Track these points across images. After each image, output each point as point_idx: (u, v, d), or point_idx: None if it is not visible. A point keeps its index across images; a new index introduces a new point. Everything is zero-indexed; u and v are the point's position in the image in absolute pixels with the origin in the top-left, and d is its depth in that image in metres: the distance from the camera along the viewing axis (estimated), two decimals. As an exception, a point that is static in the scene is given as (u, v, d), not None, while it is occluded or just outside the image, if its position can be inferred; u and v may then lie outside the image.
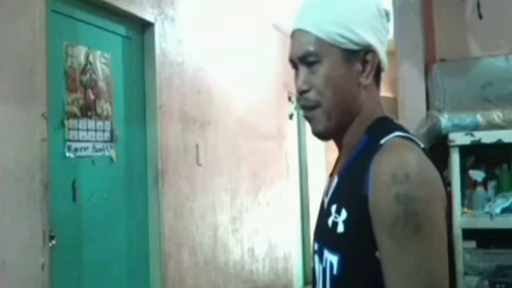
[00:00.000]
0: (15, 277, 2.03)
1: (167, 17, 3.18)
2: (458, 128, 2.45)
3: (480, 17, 2.62)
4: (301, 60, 0.96)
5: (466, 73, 2.63)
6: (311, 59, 0.94)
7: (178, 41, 3.30)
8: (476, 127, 2.43)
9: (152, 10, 3.02)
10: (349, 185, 0.90)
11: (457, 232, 2.37)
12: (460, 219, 2.38)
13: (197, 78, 3.52)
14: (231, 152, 3.97)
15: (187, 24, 3.41)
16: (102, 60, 2.71)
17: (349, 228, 0.86)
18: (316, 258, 0.98)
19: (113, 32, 2.82)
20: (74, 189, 2.46)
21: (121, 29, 2.88)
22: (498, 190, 2.52)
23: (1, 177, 2.01)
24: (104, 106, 2.71)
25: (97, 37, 2.69)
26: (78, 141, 2.51)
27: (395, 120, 0.98)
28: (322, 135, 0.98)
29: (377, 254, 0.83)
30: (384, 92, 6.90)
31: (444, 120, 2.47)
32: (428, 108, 2.67)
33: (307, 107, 0.96)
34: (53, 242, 2.23)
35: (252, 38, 4.52)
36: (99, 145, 2.65)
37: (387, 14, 0.97)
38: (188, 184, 3.34)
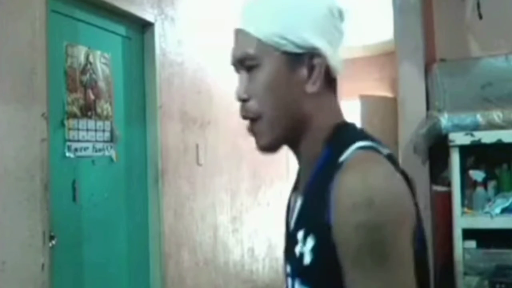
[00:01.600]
0: (15, 277, 2.03)
1: (167, 17, 3.18)
2: (458, 128, 2.44)
3: (480, 17, 2.62)
4: (241, 63, 0.88)
5: (466, 73, 2.63)
6: (249, 63, 0.86)
7: (178, 41, 3.30)
8: (476, 127, 2.43)
9: (152, 10, 3.02)
10: (313, 209, 0.81)
11: (457, 232, 2.37)
12: (460, 219, 2.38)
13: (197, 78, 3.52)
14: (231, 152, 3.97)
15: (187, 24, 3.41)
16: (102, 60, 2.71)
17: (317, 258, 0.79)
18: (289, 281, 0.90)
19: (113, 32, 2.82)
20: (74, 189, 2.46)
21: (121, 29, 2.88)
22: (498, 190, 2.52)
23: (1, 177, 2.01)
24: (104, 106, 2.71)
25: (97, 37, 2.69)
26: (78, 141, 2.51)
27: (355, 125, 0.89)
28: (267, 149, 0.89)
29: (344, 286, 0.76)
30: (384, 92, 6.89)
31: (444, 120, 2.47)
32: (428, 108, 2.67)
33: (249, 118, 0.88)
34: (53, 242, 2.23)
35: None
36: (99, 145, 2.65)
37: (340, 13, 0.87)
38: (188, 184, 3.34)
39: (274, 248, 4.76)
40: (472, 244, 2.39)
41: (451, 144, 2.40)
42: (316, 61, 0.84)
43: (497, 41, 2.65)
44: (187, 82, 3.39)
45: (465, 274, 2.37)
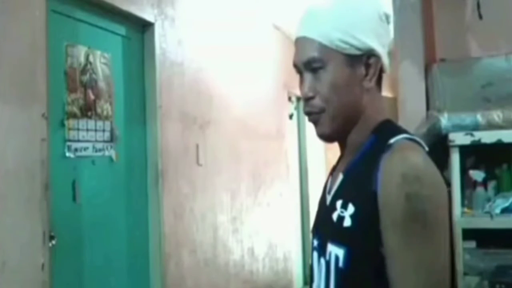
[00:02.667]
0: (15, 277, 2.03)
1: (167, 17, 3.18)
2: (458, 128, 2.44)
3: (480, 17, 2.62)
4: (306, 66, 0.98)
5: (466, 73, 2.63)
6: (315, 65, 0.96)
7: (178, 41, 3.30)
8: (476, 127, 2.43)
9: (152, 10, 3.02)
10: (356, 181, 0.92)
11: (457, 232, 2.37)
12: (460, 219, 2.38)
13: (197, 78, 3.52)
14: (231, 152, 3.97)
15: (187, 24, 3.41)
16: (102, 60, 2.71)
17: (356, 223, 0.88)
18: (315, 254, 1.00)
19: (113, 32, 2.82)
20: (74, 189, 2.46)
21: (121, 29, 2.88)
22: (498, 190, 2.52)
23: (1, 177, 2.01)
24: (104, 106, 2.71)
25: (97, 37, 2.69)
26: (78, 141, 2.51)
27: (398, 124, 1.00)
28: (327, 138, 1.01)
29: (381, 249, 0.85)
30: (384, 92, 6.92)
31: (444, 120, 2.47)
32: (428, 108, 2.67)
33: (313, 113, 0.98)
34: (53, 242, 2.23)
35: (252, 38, 4.52)
36: (99, 145, 2.65)
37: (387, 17, 0.99)
38: (188, 184, 3.34)
39: (274, 248, 4.76)
40: (472, 244, 2.39)
41: (451, 144, 2.40)
42: (371, 60, 0.96)
43: (497, 41, 2.66)
44: (187, 82, 3.39)
45: (465, 274, 2.37)
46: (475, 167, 2.52)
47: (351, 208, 0.90)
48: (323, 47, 0.95)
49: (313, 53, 0.96)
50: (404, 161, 0.85)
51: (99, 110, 2.67)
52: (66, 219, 2.41)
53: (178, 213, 3.20)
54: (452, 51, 2.74)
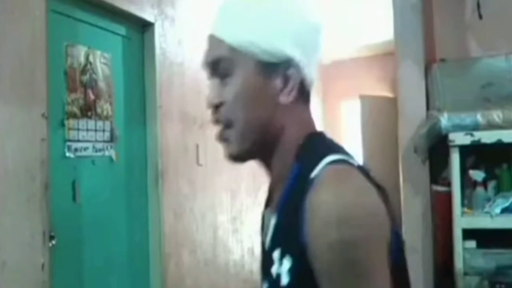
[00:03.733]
0: (15, 277, 2.03)
1: (167, 17, 3.18)
2: (458, 128, 2.44)
3: (480, 17, 2.62)
4: (212, 69, 0.87)
5: (466, 73, 2.63)
6: (221, 69, 0.85)
7: (178, 41, 3.30)
8: (476, 127, 2.42)
9: (152, 10, 3.02)
10: (287, 228, 0.79)
11: (457, 232, 2.37)
12: (460, 219, 2.38)
13: (197, 78, 3.52)
14: (231, 152, 3.97)
15: (187, 24, 3.41)
16: (102, 60, 2.72)
17: (294, 279, 0.76)
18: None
19: (113, 32, 2.82)
20: (74, 189, 2.46)
21: (121, 29, 2.88)
22: (498, 190, 2.52)
23: (1, 177, 2.01)
24: (104, 106, 2.71)
25: (97, 37, 2.69)
26: (78, 141, 2.51)
27: (325, 136, 0.87)
28: (235, 158, 0.87)
29: None
30: (384, 92, 6.88)
31: (444, 120, 2.47)
32: (428, 108, 2.67)
33: (219, 124, 0.87)
34: (53, 242, 2.23)
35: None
36: (99, 145, 2.65)
37: (317, 27, 0.85)
38: (188, 184, 3.34)
39: (274, 248, 4.76)
40: (472, 244, 2.39)
41: (451, 144, 2.40)
42: (290, 72, 0.81)
43: (497, 41, 2.66)
44: (187, 82, 3.39)
45: (465, 274, 2.37)
46: (475, 167, 2.52)
47: (286, 263, 0.77)
48: (231, 49, 0.82)
49: (218, 54, 0.84)
50: (325, 203, 0.72)
51: (99, 110, 2.67)
52: (66, 219, 2.41)
53: (178, 213, 3.20)
54: (452, 51, 2.74)
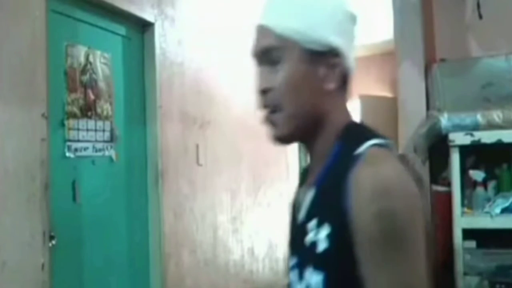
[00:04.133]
0: (15, 277, 2.03)
1: (167, 17, 3.18)
2: (458, 128, 2.44)
3: (480, 17, 2.62)
4: (262, 56, 0.90)
5: (466, 73, 2.63)
6: (271, 56, 0.88)
7: (178, 41, 3.30)
8: (476, 127, 2.43)
9: (152, 10, 3.02)
10: (328, 198, 0.84)
11: (457, 232, 2.37)
12: (460, 219, 2.38)
13: (197, 78, 3.52)
14: (231, 152, 3.97)
15: (187, 24, 3.41)
16: (102, 60, 2.71)
17: (332, 245, 0.81)
18: (293, 274, 0.92)
19: (113, 32, 2.82)
20: (74, 189, 2.46)
21: (121, 29, 2.88)
22: (498, 190, 2.52)
23: (1, 177, 2.01)
24: (104, 106, 2.71)
25: (97, 37, 2.69)
26: (78, 141, 2.51)
27: (366, 125, 0.92)
28: (283, 140, 0.93)
29: (358, 273, 0.79)
30: (384, 92, 6.87)
31: (444, 120, 2.47)
32: (428, 108, 2.67)
33: (266, 109, 0.91)
34: (53, 242, 2.23)
35: (253, 38, 4.51)
36: (99, 145, 2.65)
37: (354, 18, 0.91)
38: (188, 184, 3.34)
39: (274, 248, 4.76)
40: (472, 244, 2.39)
41: (451, 144, 2.40)
42: (336, 60, 0.87)
43: (497, 41, 2.66)
44: (187, 82, 3.39)
45: (465, 274, 2.37)
46: (475, 167, 2.52)
47: (326, 229, 0.82)
48: (280, 38, 0.87)
49: (268, 43, 0.88)
50: (372, 175, 0.78)
51: (99, 110, 2.67)
52: (66, 219, 2.41)
53: (178, 213, 3.20)
54: (452, 51, 2.74)
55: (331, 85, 0.88)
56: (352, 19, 0.91)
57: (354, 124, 0.91)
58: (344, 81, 0.90)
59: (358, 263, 0.78)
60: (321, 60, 0.87)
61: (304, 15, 0.86)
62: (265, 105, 0.91)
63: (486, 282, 2.32)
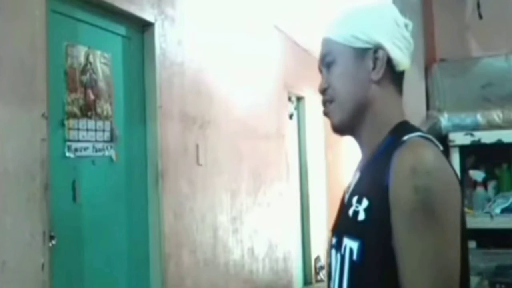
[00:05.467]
0: (15, 277, 2.03)
1: (167, 17, 3.18)
2: (458, 128, 2.44)
3: (480, 17, 2.62)
4: (322, 62, 1.06)
5: (466, 73, 2.63)
6: (328, 59, 1.04)
7: (178, 41, 3.30)
8: (476, 127, 2.42)
9: (152, 10, 3.02)
10: (371, 177, 0.96)
11: (457, 232, 2.37)
12: (460, 219, 2.38)
13: (197, 78, 3.52)
14: (231, 152, 3.97)
15: (187, 24, 3.41)
16: (102, 60, 2.71)
17: (370, 216, 0.91)
18: (333, 252, 1.03)
19: (113, 32, 2.82)
20: (74, 189, 2.46)
21: (121, 29, 2.88)
22: (498, 190, 2.52)
23: (1, 177, 2.01)
24: (104, 106, 2.71)
25: (97, 37, 2.69)
26: (78, 141, 2.51)
27: (416, 126, 1.04)
28: (338, 128, 1.06)
29: (392, 243, 0.87)
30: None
31: (444, 120, 2.47)
32: (428, 108, 2.66)
33: (325, 102, 1.06)
34: (53, 242, 2.23)
35: (253, 38, 4.52)
36: (99, 145, 2.65)
37: (406, 25, 1.07)
38: (188, 184, 3.34)
39: (274, 248, 4.76)
40: (472, 244, 2.39)
41: (451, 144, 2.40)
42: (379, 54, 1.01)
43: (497, 41, 2.65)
44: (187, 82, 3.39)
45: (465, 274, 2.36)
46: (475, 167, 2.52)
47: (365, 202, 0.93)
48: (335, 44, 1.03)
49: (326, 50, 1.05)
50: (415, 155, 0.89)
51: (99, 110, 2.67)
52: (66, 219, 2.41)
53: (178, 213, 3.20)
54: (452, 51, 2.73)
55: (377, 76, 1.01)
56: (403, 26, 1.06)
57: (405, 122, 1.03)
58: (392, 77, 1.03)
59: (393, 233, 0.87)
60: (368, 55, 1.01)
61: (356, 23, 1.03)
62: (325, 101, 1.06)
63: (486, 282, 2.31)
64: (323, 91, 1.06)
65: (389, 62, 1.01)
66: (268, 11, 4.64)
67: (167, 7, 3.19)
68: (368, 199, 0.93)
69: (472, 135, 2.38)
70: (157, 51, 3.05)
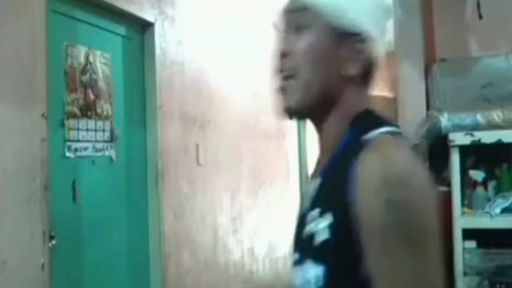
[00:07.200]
0: (15, 277, 2.03)
1: (167, 17, 3.18)
2: (458, 128, 2.44)
3: (480, 17, 2.62)
4: (291, 17, 0.86)
5: (466, 73, 2.63)
6: (301, 21, 0.84)
7: (178, 41, 3.29)
8: (476, 127, 2.42)
9: (152, 10, 3.02)
10: (333, 186, 0.79)
11: (457, 232, 2.37)
12: (460, 219, 2.38)
13: (197, 78, 3.52)
14: (231, 152, 3.97)
15: (187, 24, 3.41)
16: (102, 60, 2.71)
17: (334, 235, 0.76)
18: (296, 270, 0.85)
19: (113, 32, 2.82)
20: (74, 189, 2.46)
21: (121, 29, 2.88)
22: (498, 190, 2.52)
23: (1, 177, 2.01)
24: (104, 106, 2.71)
25: (97, 37, 2.69)
26: (78, 141, 2.51)
27: (381, 115, 0.88)
28: (294, 111, 0.87)
29: (363, 267, 0.73)
30: (384, 92, 6.88)
31: (444, 120, 2.47)
32: (428, 108, 2.66)
33: (281, 73, 0.86)
34: (53, 242, 2.23)
35: (252, 38, 4.51)
36: (99, 145, 2.65)
37: (388, 11, 0.89)
38: (188, 184, 3.34)
39: (274, 249, 4.76)
40: (472, 244, 2.39)
41: (451, 144, 2.40)
42: (362, 45, 0.83)
43: (497, 41, 2.65)
44: (187, 82, 3.39)
45: (465, 274, 2.37)
46: (475, 167, 2.51)
47: (328, 218, 0.76)
48: (311, 10, 0.83)
49: (303, 3, 0.84)
50: (381, 162, 0.72)
51: (99, 110, 2.67)
52: (66, 219, 2.41)
53: (178, 213, 3.20)
54: (452, 51, 2.73)
55: (353, 70, 0.84)
56: (386, 12, 0.88)
57: (367, 111, 0.86)
58: (367, 71, 0.86)
59: (363, 256, 0.72)
60: (347, 42, 0.83)
61: None
62: (281, 69, 0.86)
63: (486, 282, 2.31)
64: (282, 56, 0.86)
65: (370, 56, 0.85)
66: (268, 11, 4.63)
67: (167, 7, 3.19)
68: (332, 214, 0.76)
69: (472, 135, 2.38)
70: (157, 51, 3.05)
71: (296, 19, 0.85)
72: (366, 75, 0.87)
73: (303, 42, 0.84)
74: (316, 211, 0.80)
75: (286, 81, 0.85)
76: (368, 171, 0.72)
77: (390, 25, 0.90)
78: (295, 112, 0.88)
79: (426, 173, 0.76)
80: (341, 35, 0.83)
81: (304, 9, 0.84)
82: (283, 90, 0.86)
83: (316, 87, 0.84)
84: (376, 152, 0.74)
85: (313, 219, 0.80)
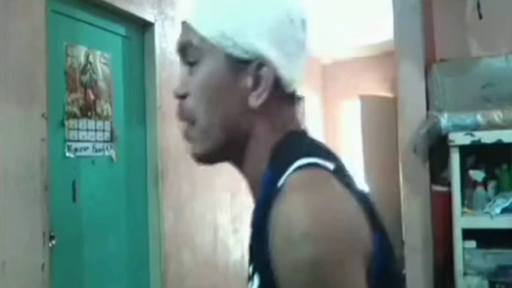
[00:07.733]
0: (15, 277, 2.03)
1: (167, 17, 3.18)
2: (458, 128, 2.44)
3: (480, 17, 2.62)
4: (182, 56, 0.77)
5: (466, 73, 2.63)
6: (190, 57, 0.75)
7: (178, 41, 3.30)
8: (476, 127, 2.42)
9: (152, 10, 3.02)
10: (256, 244, 0.70)
11: (457, 232, 2.37)
12: (460, 219, 2.38)
13: (197, 78, 3.52)
14: (231, 152, 3.97)
15: (187, 24, 3.41)
16: (102, 60, 2.71)
17: None
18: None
19: (113, 32, 2.82)
20: (74, 189, 2.46)
21: (121, 29, 2.88)
22: (498, 190, 2.52)
23: (1, 177, 2.01)
24: (104, 106, 2.71)
25: (97, 37, 2.69)
26: (78, 141, 2.51)
27: (303, 135, 0.77)
28: (200, 159, 0.78)
29: None
30: (384, 92, 6.88)
31: (444, 120, 2.47)
32: (428, 108, 2.66)
33: (181, 119, 0.77)
34: (53, 242, 2.23)
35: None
36: (99, 145, 2.65)
37: (303, 22, 0.75)
38: (188, 184, 3.34)
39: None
40: (472, 244, 2.39)
41: (451, 144, 2.40)
42: (263, 71, 0.72)
43: (497, 41, 2.65)
44: (187, 82, 3.39)
45: (465, 274, 2.37)
46: (475, 167, 2.52)
47: (256, 281, 0.68)
48: (201, 39, 0.73)
49: (187, 39, 0.75)
50: (289, 215, 0.61)
51: (99, 110, 2.67)
52: (66, 219, 2.41)
53: (178, 213, 3.20)
54: (452, 51, 2.73)
55: (257, 101, 0.72)
56: (300, 24, 0.75)
57: (286, 141, 0.74)
58: (282, 96, 0.75)
59: None
60: (247, 70, 0.72)
61: (233, 18, 0.72)
62: (181, 114, 0.77)
63: (486, 282, 2.31)
64: (180, 98, 0.76)
65: (277, 80, 0.73)
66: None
67: (167, 7, 3.19)
68: (258, 276, 0.68)
69: (472, 135, 2.38)
70: (157, 51, 3.06)
71: (186, 56, 0.76)
72: (282, 100, 0.76)
73: (195, 81, 0.74)
74: (251, 269, 0.72)
75: (188, 127, 0.77)
76: (276, 228, 0.62)
77: (306, 37, 0.77)
78: (204, 160, 0.78)
79: (348, 208, 0.65)
80: (238, 64, 0.72)
81: (190, 44, 0.75)
82: (186, 137, 0.78)
83: (217, 130, 0.74)
84: (283, 204, 0.63)
85: (251, 277, 0.71)
